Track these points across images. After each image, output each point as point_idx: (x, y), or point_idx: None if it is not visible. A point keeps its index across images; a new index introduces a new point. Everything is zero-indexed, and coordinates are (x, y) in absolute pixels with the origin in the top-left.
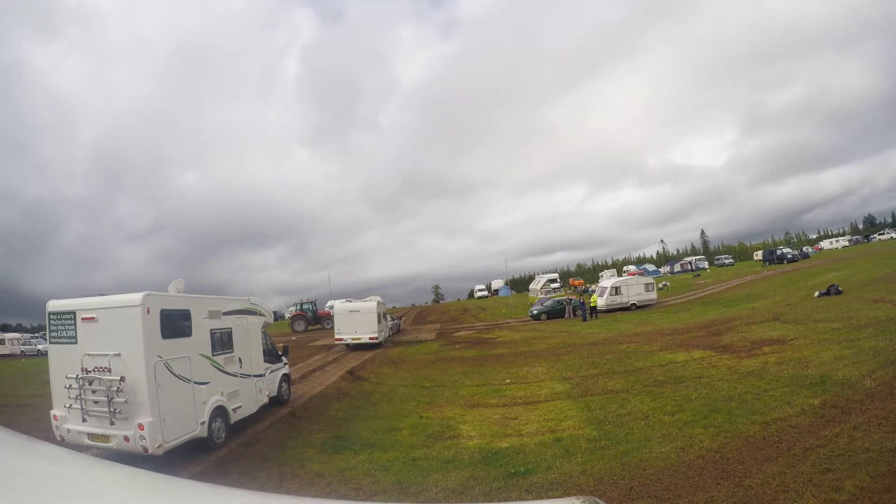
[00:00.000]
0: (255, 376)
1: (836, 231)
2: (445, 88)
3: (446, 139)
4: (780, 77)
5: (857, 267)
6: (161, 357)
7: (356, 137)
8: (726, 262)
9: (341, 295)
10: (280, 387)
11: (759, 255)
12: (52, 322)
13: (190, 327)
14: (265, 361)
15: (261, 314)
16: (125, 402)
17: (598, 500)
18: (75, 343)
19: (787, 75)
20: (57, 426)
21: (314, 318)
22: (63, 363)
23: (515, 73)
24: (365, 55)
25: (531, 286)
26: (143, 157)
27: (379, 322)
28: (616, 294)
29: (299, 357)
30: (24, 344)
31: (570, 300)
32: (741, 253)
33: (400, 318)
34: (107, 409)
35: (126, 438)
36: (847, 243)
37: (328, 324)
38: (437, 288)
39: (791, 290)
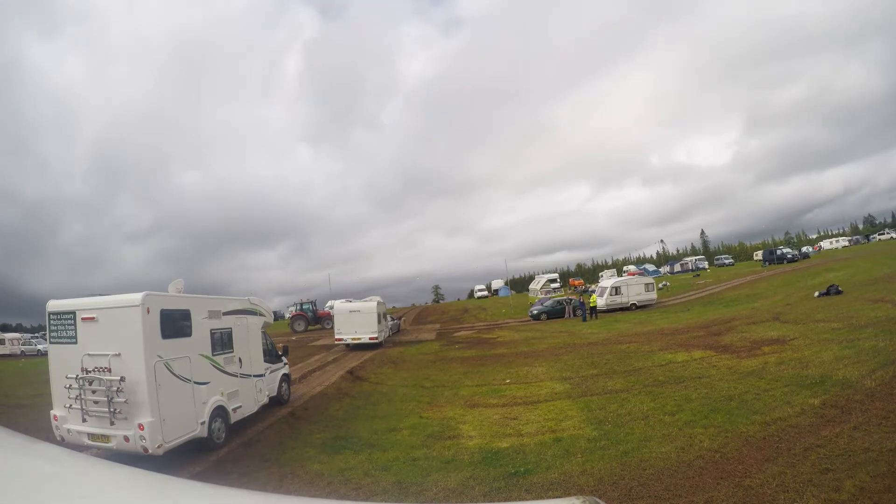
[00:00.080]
0: (255, 376)
1: (836, 231)
2: (447, 87)
3: (448, 138)
4: (783, 76)
5: (857, 267)
6: (161, 357)
7: (357, 136)
8: (726, 262)
9: (341, 295)
10: (280, 387)
11: (758, 255)
12: (52, 322)
13: (190, 327)
14: (265, 361)
15: (261, 314)
16: (125, 402)
17: (598, 500)
18: (75, 343)
19: (790, 74)
20: (57, 426)
21: (314, 318)
22: (63, 363)
23: (517, 72)
24: (366, 53)
25: (531, 286)
26: (143, 157)
27: (379, 322)
28: (616, 294)
29: (299, 357)
30: (24, 344)
31: (570, 300)
32: (741, 253)
33: (400, 318)
34: (107, 409)
35: (126, 438)
36: (847, 243)
37: (328, 324)
38: (437, 288)
39: (791, 290)
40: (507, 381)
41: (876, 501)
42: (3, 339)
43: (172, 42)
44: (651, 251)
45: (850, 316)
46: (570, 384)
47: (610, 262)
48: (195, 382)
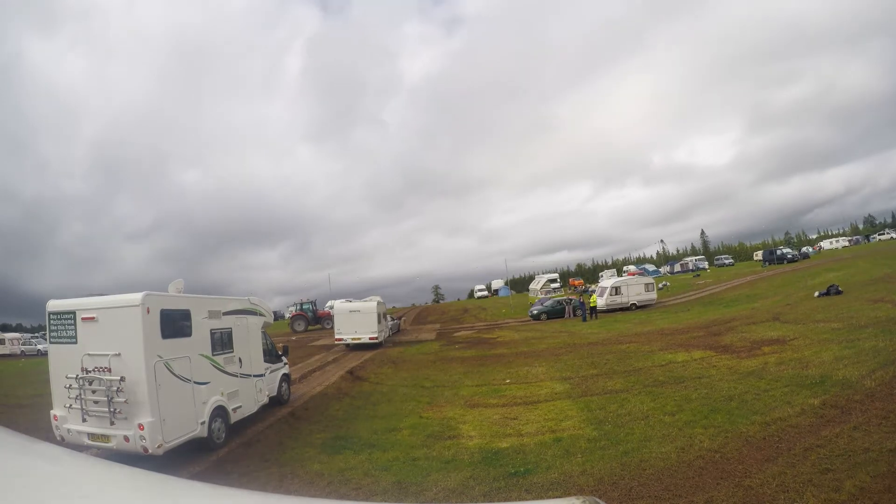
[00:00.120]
0: (255, 376)
1: (836, 231)
2: (448, 86)
3: (449, 137)
4: (784, 75)
5: (857, 267)
6: (161, 357)
7: (358, 135)
8: (726, 262)
9: (341, 295)
10: (280, 387)
11: (759, 255)
12: (52, 322)
13: (190, 327)
14: (265, 361)
15: (261, 314)
16: (125, 402)
17: (598, 500)
18: (75, 343)
19: (791, 73)
20: (57, 426)
21: (314, 318)
22: (63, 363)
23: (518, 71)
24: (367, 52)
25: (531, 286)
26: (143, 156)
27: (379, 322)
28: (616, 294)
29: (299, 357)
30: (24, 344)
31: (570, 300)
32: (741, 253)
33: (400, 318)
34: (107, 409)
35: (126, 438)
36: (847, 243)
37: (328, 324)
38: (437, 288)
39: (791, 290)
40: (507, 381)
41: (876, 501)
42: (3, 339)
43: (172, 39)
44: (651, 251)
45: (850, 316)
46: (570, 384)
47: (610, 262)
48: (195, 382)
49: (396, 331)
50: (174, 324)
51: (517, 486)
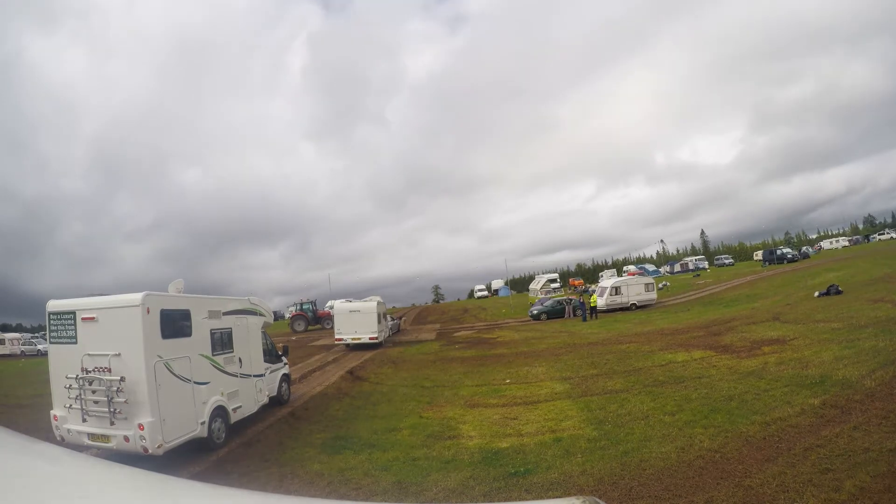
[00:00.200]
0: (255, 376)
1: (836, 231)
2: (451, 84)
3: (452, 135)
4: (786, 74)
5: (857, 267)
6: (161, 357)
7: (360, 134)
8: (726, 262)
9: (341, 295)
10: (280, 387)
11: (759, 255)
12: (52, 322)
13: (190, 327)
14: (265, 361)
15: (261, 314)
16: (125, 402)
17: (598, 500)
18: (75, 343)
19: (793, 73)
20: (57, 426)
21: (314, 318)
22: (63, 363)
23: (521, 70)
24: (370, 49)
25: (531, 286)
26: (143, 155)
27: (379, 322)
28: (616, 294)
29: (299, 357)
30: (24, 344)
31: (570, 300)
32: (741, 253)
33: (400, 318)
34: (107, 409)
35: (126, 438)
36: (847, 243)
37: (328, 324)
38: (437, 288)
39: (791, 290)
40: (507, 381)
41: (876, 501)
42: (3, 339)
43: (173, 37)
44: (651, 251)
45: (850, 316)
46: (570, 384)
47: (610, 262)
48: (195, 382)
49: (396, 331)
50: (174, 324)
51: (517, 486)
